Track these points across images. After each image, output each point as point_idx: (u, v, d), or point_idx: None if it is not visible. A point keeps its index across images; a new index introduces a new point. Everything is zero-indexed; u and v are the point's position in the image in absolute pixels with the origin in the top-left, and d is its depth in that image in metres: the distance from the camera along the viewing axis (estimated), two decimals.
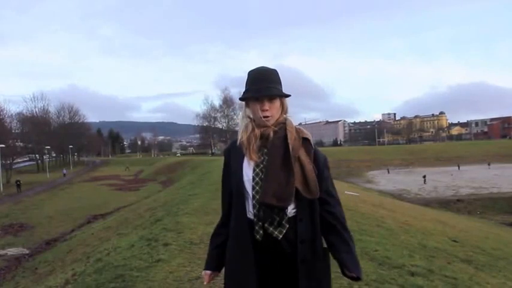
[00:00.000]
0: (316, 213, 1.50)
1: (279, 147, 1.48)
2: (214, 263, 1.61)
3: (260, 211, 1.44)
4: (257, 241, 1.46)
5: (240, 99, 1.55)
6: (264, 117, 1.48)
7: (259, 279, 1.46)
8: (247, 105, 1.55)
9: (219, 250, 1.60)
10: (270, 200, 1.41)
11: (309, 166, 1.48)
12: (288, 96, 1.55)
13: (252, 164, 1.48)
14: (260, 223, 1.45)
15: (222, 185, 1.64)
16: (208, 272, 1.60)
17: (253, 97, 1.49)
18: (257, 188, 1.45)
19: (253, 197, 1.45)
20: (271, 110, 1.49)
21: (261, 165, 1.47)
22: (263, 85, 1.48)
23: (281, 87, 1.54)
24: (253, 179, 1.46)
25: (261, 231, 1.44)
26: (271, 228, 1.44)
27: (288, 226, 1.45)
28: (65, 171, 49.56)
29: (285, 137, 1.49)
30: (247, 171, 1.48)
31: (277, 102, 1.51)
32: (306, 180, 1.46)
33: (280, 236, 1.44)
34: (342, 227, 1.54)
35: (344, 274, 1.49)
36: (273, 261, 1.46)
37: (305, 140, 1.53)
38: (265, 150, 1.50)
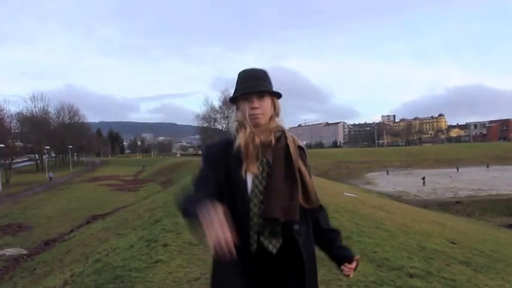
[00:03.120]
0: (309, 219, 1.48)
1: (282, 158, 1.42)
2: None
3: (257, 224, 1.37)
4: (250, 253, 1.37)
5: (230, 100, 1.51)
6: (254, 114, 1.42)
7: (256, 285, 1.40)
8: (238, 108, 1.48)
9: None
10: (277, 214, 1.35)
11: (308, 177, 1.46)
12: (278, 94, 1.48)
13: (251, 174, 1.39)
14: (255, 236, 1.37)
15: (206, 175, 1.39)
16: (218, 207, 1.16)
17: (242, 96, 1.44)
18: (255, 200, 1.37)
19: (251, 209, 1.37)
20: (261, 108, 1.42)
21: (260, 177, 1.39)
22: (251, 83, 1.43)
23: (271, 87, 1.49)
24: (252, 190, 1.38)
25: (255, 244, 1.37)
26: (266, 241, 1.37)
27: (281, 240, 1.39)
28: (51, 174, 45.46)
29: (287, 147, 1.44)
30: (247, 182, 1.40)
31: (267, 101, 1.44)
32: (306, 191, 1.44)
33: (275, 250, 1.38)
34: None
35: (345, 259, 1.46)
36: (264, 273, 1.40)
37: (300, 149, 1.49)
38: (265, 160, 1.42)
